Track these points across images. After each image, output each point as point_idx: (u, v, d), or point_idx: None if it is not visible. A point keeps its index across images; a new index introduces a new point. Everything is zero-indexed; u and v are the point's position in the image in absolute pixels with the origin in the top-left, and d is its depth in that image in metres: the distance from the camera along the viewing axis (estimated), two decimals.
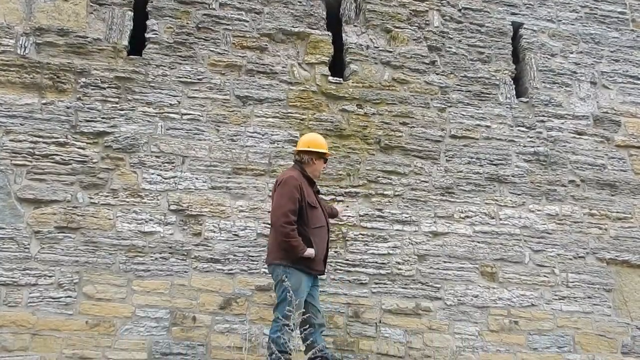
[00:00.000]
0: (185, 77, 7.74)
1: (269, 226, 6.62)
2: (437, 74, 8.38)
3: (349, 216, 7.61)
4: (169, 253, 7.14)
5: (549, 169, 8.25)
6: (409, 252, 7.61)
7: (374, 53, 8.31)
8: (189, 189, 7.37)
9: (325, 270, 6.67)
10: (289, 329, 5.93)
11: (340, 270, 7.42)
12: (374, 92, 8.14)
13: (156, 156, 7.41)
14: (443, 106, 8.27)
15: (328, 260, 7.00)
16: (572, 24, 9.04)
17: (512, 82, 8.59)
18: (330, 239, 7.06)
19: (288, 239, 6.17)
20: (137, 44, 7.90)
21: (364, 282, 7.41)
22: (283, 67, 8.01)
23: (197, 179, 7.42)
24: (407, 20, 8.53)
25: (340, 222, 7.53)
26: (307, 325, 6.08)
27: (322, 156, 6.69)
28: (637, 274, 7.97)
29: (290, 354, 5.99)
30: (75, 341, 6.70)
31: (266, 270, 6.72)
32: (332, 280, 7.35)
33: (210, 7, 8.04)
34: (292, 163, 6.84)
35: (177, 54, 7.81)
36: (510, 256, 7.80)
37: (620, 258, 8.01)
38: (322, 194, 7.32)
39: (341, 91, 8.06)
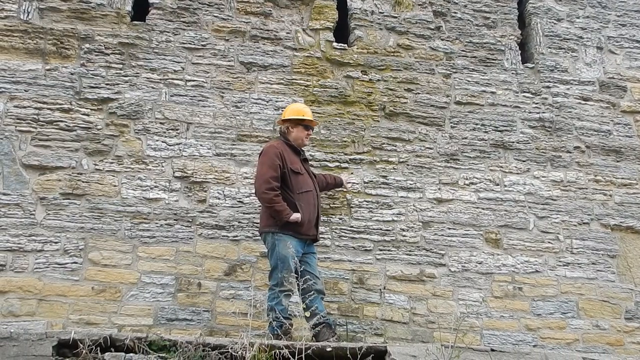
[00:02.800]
0: (189, 43, 7.74)
1: None
2: (442, 40, 8.33)
3: (354, 183, 7.62)
4: (174, 220, 7.17)
5: (554, 135, 8.20)
6: (414, 219, 7.62)
7: (378, 19, 8.27)
8: (194, 155, 7.41)
9: (319, 236, 6.74)
10: (287, 294, 6.09)
11: (345, 237, 7.43)
12: (379, 58, 8.11)
13: (160, 123, 7.43)
14: (448, 72, 8.23)
15: (332, 227, 7.27)
16: None
17: (517, 47, 8.52)
18: (335, 205, 7.50)
19: (272, 204, 6.27)
20: (140, 9, 7.90)
21: (368, 248, 7.43)
22: (287, 33, 8.01)
23: (201, 145, 7.45)
24: None
25: (345, 190, 7.56)
26: (310, 292, 6.09)
27: (299, 123, 6.75)
28: None
29: (291, 320, 6.12)
30: (81, 307, 6.76)
31: None
32: (336, 247, 7.37)
33: None
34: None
35: (181, 20, 7.81)
36: (514, 223, 7.78)
37: (624, 224, 7.98)
38: (326, 161, 7.61)
39: (346, 57, 8.04)
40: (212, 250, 7.16)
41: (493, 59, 8.39)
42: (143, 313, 6.86)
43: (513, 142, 8.08)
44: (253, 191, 7.03)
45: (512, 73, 8.38)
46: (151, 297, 6.92)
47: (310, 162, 7.19)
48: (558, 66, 8.52)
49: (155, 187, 7.25)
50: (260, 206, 6.81)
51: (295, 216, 6.30)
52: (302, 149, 6.90)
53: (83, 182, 7.10)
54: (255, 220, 7.19)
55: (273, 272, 6.28)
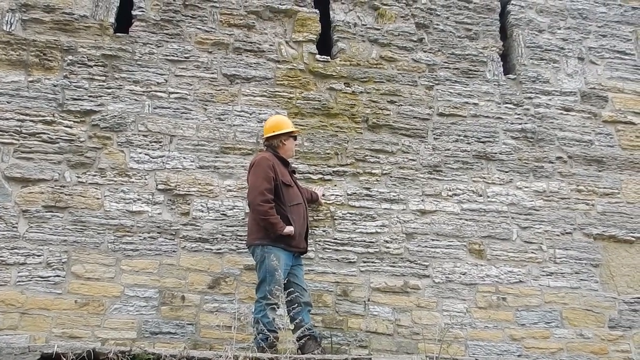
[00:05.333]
0: (172, 55, 7.73)
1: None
2: (425, 52, 8.33)
3: (337, 195, 7.60)
4: (157, 232, 7.12)
5: (536, 145, 8.19)
6: (397, 230, 7.58)
7: (361, 31, 8.27)
8: (177, 168, 7.37)
9: (308, 248, 6.76)
10: (273, 307, 6.01)
11: (329, 249, 7.39)
12: (362, 70, 8.11)
13: (144, 135, 7.39)
14: (431, 84, 8.23)
15: (315, 239, 7.29)
16: None
17: (499, 59, 8.55)
18: (319, 217, 7.45)
19: (267, 217, 6.24)
20: (123, 21, 7.87)
21: (352, 260, 7.40)
22: (270, 45, 7.99)
23: (184, 158, 7.41)
24: None
25: (328, 202, 7.55)
26: (295, 305, 6.14)
27: (290, 135, 6.78)
28: (624, 248, 7.94)
29: (277, 332, 6.04)
30: (64, 320, 6.70)
31: None
32: (320, 259, 7.33)
33: None
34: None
35: (164, 32, 7.79)
36: (498, 233, 7.76)
37: (607, 233, 7.96)
38: (309, 173, 7.57)
39: (329, 69, 8.03)
40: (196, 263, 7.09)
41: (475, 71, 8.40)
42: (127, 326, 6.79)
43: (496, 153, 8.07)
44: (236, 204, 7.17)
45: (495, 84, 8.39)
46: (135, 311, 6.85)
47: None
48: (540, 77, 8.54)
49: (139, 199, 7.19)
50: (244, 218, 6.87)
51: (289, 229, 6.31)
52: (289, 160, 6.89)
53: (66, 194, 7.04)
54: (239, 232, 7.19)
55: (261, 284, 6.25)
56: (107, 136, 7.32)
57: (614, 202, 8.12)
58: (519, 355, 7.30)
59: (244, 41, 7.94)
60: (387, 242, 7.53)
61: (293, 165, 7.25)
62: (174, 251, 7.10)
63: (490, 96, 8.32)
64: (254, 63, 7.88)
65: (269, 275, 6.12)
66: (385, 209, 7.65)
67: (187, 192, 7.32)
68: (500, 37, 8.65)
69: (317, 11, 8.24)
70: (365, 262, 7.43)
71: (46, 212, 6.98)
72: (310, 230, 7.10)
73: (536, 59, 8.65)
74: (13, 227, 6.87)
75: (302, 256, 6.75)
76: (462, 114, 8.19)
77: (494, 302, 7.51)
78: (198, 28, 7.88)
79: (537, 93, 8.46)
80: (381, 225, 7.58)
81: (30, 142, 7.13)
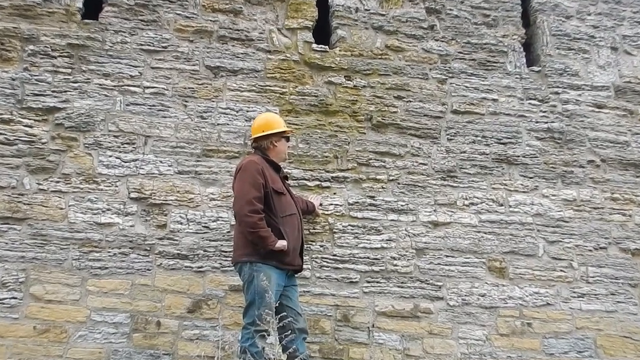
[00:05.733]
0: (148, 45, 7.55)
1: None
2: (437, 40, 8.19)
3: (336, 205, 7.46)
4: (130, 248, 6.94)
5: (564, 147, 8.04)
6: (406, 245, 7.43)
7: (364, 17, 8.14)
8: (152, 173, 7.18)
9: (303, 266, 6.65)
10: (263, 335, 5.90)
11: (327, 267, 7.22)
12: (365, 61, 7.96)
13: (114, 136, 7.21)
14: (443, 77, 8.08)
15: (312, 255, 7.21)
16: None
17: (522, 48, 8.41)
18: (316, 231, 7.34)
19: (256, 229, 6.05)
20: (92, 6, 7.70)
21: (354, 280, 7.23)
22: (260, 33, 7.85)
23: (161, 162, 7.23)
24: None
25: (326, 212, 7.41)
26: (288, 331, 5.94)
27: (282, 135, 6.67)
28: None
29: None
30: (21, 349, 6.51)
31: None
32: (317, 279, 7.18)
33: None
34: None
35: (139, 18, 7.63)
36: (521, 248, 7.60)
37: None
38: (305, 180, 7.47)
39: (327, 61, 7.88)
40: (174, 283, 6.91)
41: (494, 62, 8.25)
42: (93, 356, 6.59)
43: (518, 156, 7.92)
44: (220, 214, 7.10)
45: (516, 77, 8.24)
46: (102, 338, 6.66)
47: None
48: (568, 69, 8.39)
49: (108, 210, 7.00)
50: (230, 232, 6.88)
51: (282, 244, 6.12)
52: (280, 165, 6.79)
53: (24, 204, 6.87)
54: (223, 248, 7.04)
55: (249, 308, 6.08)
56: (72, 137, 7.15)
57: None
58: None
59: (230, 28, 7.79)
60: (394, 258, 7.37)
61: (285, 170, 7.13)
62: (148, 269, 6.92)
63: (511, 91, 8.17)
64: (242, 53, 7.72)
65: (258, 298, 5.96)
66: (392, 220, 7.50)
67: (163, 202, 7.13)
68: (522, 24, 8.55)
69: None
70: (369, 282, 7.27)
71: (2, 224, 6.81)
72: (306, 246, 7.01)
73: (563, 48, 8.48)
74: None
75: (296, 275, 6.60)
76: (480, 111, 8.04)
77: (518, 328, 7.36)
78: (177, 14, 7.72)
79: (564, 87, 8.30)
80: (387, 240, 7.42)
81: None
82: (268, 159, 6.52)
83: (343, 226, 7.38)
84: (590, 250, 7.71)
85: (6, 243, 6.71)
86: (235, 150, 7.37)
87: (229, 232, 7.02)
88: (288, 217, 6.34)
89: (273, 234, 6.11)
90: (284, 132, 6.67)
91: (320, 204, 7.36)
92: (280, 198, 6.34)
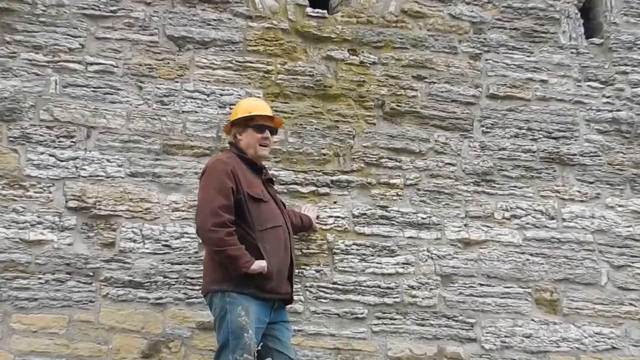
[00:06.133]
0: (92, 9, 7.27)
1: None
2: (468, 4, 7.96)
3: (338, 217, 7.22)
4: (67, 273, 6.65)
5: (634, 143, 7.85)
6: (428, 270, 7.20)
7: None
8: (97, 176, 6.91)
9: (293, 294, 6.33)
10: None
11: (325, 298, 6.98)
12: (375, 31, 7.72)
13: (48, 127, 6.95)
14: (477, 51, 7.86)
15: (305, 283, 6.99)
16: None
17: (579, 15, 8.17)
18: (311, 251, 7.11)
19: (223, 247, 5.72)
20: None
21: (360, 316, 6.98)
22: None
23: (109, 161, 6.97)
24: None
25: (324, 227, 7.17)
26: None
27: (247, 124, 6.30)
28: None
29: None
30: None
31: None
32: (312, 314, 6.94)
33: None
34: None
35: None
36: (578, 275, 7.39)
37: None
38: (296, 184, 7.25)
39: (325, 30, 7.64)
40: (124, 319, 6.64)
41: (543, 32, 8.01)
42: None
43: (574, 155, 7.72)
44: (186, 230, 6.85)
45: (572, 52, 8.00)
46: None
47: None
48: (638, 42, 8.16)
49: (39, 223, 6.70)
50: (198, 252, 6.70)
51: (259, 265, 5.73)
52: (264, 165, 6.54)
53: None
54: (189, 274, 6.80)
55: (222, 352, 5.74)
56: None
57: None
58: None
59: None
60: (412, 288, 7.16)
61: (271, 172, 6.96)
62: (91, 301, 6.65)
63: (565, 70, 7.95)
64: (214, 20, 7.49)
65: (232, 338, 5.64)
66: (410, 238, 7.28)
67: (112, 212, 6.86)
68: None
69: None
70: (380, 318, 7.04)
71: None
72: (298, 271, 6.88)
73: (632, 15, 8.24)
74: None
75: (286, 307, 6.32)
76: (524, 96, 7.83)
77: None
78: None
79: (634, 66, 8.09)
80: (404, 263, 7.19)
81: None
82: (244, 157, 6.23)
83: (346, 245, 7.16)
84: None
85: None
86: (205, 145, 7.15)
87: (197, 252, 6.81)
88: (270, 231, 6.00)
89: (248, 252, 5.75)
90: (249, 119, 6.32)
91: (317, 216, 7.18)
92: (258, 206, 6.02)
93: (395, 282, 7.09)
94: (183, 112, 7.18)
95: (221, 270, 5.81)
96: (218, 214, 5.73)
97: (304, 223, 6.85)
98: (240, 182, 5.96)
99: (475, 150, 7.58)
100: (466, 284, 7.21)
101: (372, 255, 7.14)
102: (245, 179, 6.02)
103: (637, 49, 8.14)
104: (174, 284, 6.74)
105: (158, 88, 7.19)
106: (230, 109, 7.00)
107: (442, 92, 7.66)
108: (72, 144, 6.91)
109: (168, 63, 7.28)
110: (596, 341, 7.21)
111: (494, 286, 7.24)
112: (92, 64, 7.12)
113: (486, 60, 7.84)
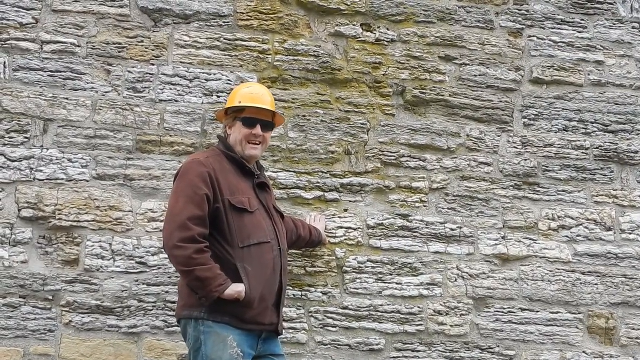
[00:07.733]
0: None
1: None
2: None
3: (349, 228, 7.26)
4: (21, 297, 6.68)
5: None
6: (459, 292, 7.29)
7: None
8: (57, 179, 6.92)
9: (281, 325, 6.23)
10: None
11: (334, 326, 7.03)
12: (394, 1, 7.77)
13: None
14: (518, 26, 7.90)
15: (309, 308, 7.06)
16: None
17: None
18: (316, 269, 7.14)
19: (190, 268, 5.65)
20: None
21: (376, 347, 7.03)
22: None
23: (70, 160, 6.96)
24: None
25: (333, 240, 7.22)
26: None
27: (236, 116, 6.25)
28: None
29: None
30: None
31: None
32: (318, 345, 6.99)
33: None
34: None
35: None
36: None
37: None
38: (298, 189, 7.27)
39: (334, 1, 7.65)
40: (91, 352, 6.68)
41: (599, 3, 8.06)
42: None
43: (636, 153, 7.80)
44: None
45: (634, 27, 8.04)
46: None
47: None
48: None
49: None
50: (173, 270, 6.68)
51: (235, 290, 5.68)
52: (262, 166, 6.57)
53: None
54: (169, 297, 6.83)
55: None
56: None
57: None
58: None
59: None
60: (439, 313, 7.23)
61: (268, 173, 6.99)
62: (50, 331, 6.67)
63: (626, 49, 8.01)
64: None
65: None
66: (436, 253, 7.35)
67: (75, 223, 6.85)
68: None
69: None
70: (399, 350, 7.10)
71: None
72: (300, 293, 7.04)
73: None
74: None
75: (279, 339, 6.28)
76: (576, 80, 7.90)
77: None
78: None
79: None
80: (429, 284, 7.27)
81: None
82: (231, 156, 6.20)
83: (359, 262, 7.19)
84: None
85: None
86: (187, 142, 7.16)
87: (176, 272, 6.46)
88: (254, 248, 5.92)
89: (225, 274, 5.70)
90: (239, 110, 6.26)
91: (326, 228, 7.19)
92: (241, 218, 5.94)
93: (419, 307, 7.14)
94: (160, 101, 7.18)
95: (193, 293, 5.81)
96: (187, 227, 5.68)
97: (312, 236, 6.84)
98: (221, 188, 5.91)
99: (515, 147, 7.63)
100: (504, 308, 7.26)
101: (391, 274, 7.18)
102: (228, 183, 5.98)
103: None
104: (151, 310, 6.75)
105: (130, 72, 7.18)
106: (218, 96, 7.15)
107: (475, 76, 7.69)
108: (26, 140, 6.90)
109: (142, 41, 7.26)
110: None
111: (537, 311, 7.28)
112: (48, 42, 7.10)
113: (529, 37, 7.86)
